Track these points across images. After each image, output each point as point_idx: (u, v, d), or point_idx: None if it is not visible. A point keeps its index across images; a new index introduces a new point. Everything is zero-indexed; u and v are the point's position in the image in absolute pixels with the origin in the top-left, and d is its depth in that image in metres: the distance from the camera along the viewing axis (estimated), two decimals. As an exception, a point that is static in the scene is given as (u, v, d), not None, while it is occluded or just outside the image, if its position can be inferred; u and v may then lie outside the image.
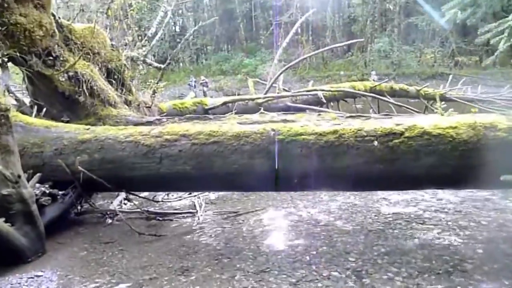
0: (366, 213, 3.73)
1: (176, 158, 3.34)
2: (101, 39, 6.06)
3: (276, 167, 3.19)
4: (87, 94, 5.38)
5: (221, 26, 41.72)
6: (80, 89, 5.36)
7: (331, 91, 7.74)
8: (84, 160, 3.50)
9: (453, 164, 2.99)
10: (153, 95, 6.79)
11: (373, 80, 22.01)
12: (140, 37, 7.99)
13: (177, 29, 42.74)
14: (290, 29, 32.21)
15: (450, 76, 13.69)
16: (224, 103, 7.51)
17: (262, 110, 5.63)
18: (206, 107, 7.57)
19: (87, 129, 3.72)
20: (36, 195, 3.33)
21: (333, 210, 3.84)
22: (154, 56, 43.18)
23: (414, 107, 9.25)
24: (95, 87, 5.48)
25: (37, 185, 3.49)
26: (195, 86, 29.08)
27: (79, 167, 3.44)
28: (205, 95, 27.98)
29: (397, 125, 3.15)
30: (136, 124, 5.41)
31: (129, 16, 7.45)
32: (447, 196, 4.10)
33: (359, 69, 33.66)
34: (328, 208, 3.89)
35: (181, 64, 42.12)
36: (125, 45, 6.64)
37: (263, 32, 38.11)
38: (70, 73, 5.35)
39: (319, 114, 5.18)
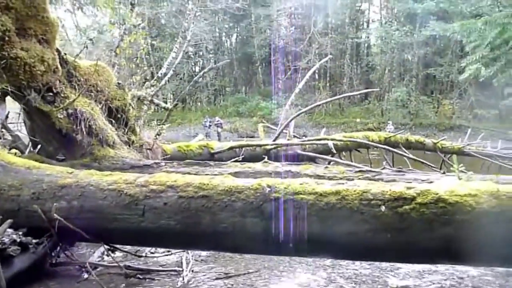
0: (371, 284, 3.31)
1: (161, 211, 3.02)
2: (106, 77, 5.90)
3: (270, 229, 2.83)
4: (84, 133, 5.16)
5: (239, 68, 42.36)
6: (78, 128, 5.15)
7: (343, 140, 7.42)
8: (62, 207, 3.20)
9: (471, 237, 2.60)
10: (156, 137, 6.55)
11: (389, 131, 21.75)
12: (152, 77, 7.86)
13: (197, 69, 43.41)
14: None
15: (469, 130, 13.27)
16: (231, 148, 7.23)
17: (265, 160, 5.35)
18: (212, 151, 7.29)
19: (70, 172, 3.44)
20: (5, 243, 3.02)
21: (335, 278, 3.43)
22: (173, 95, 43.93)
23: (430, 161, 8.88)
24: (93, 126, 5.27)
25: (9, 230, 3.19)
26: (209, 126, 29.12)
27: (55, 214, 3.13)
28: (219, 135, 27.96)
29: (408, 188, 2.79)
30: (133, 166, 5.15)
31: (138, 55, 7.38)
32: (465, 267, 3.66)
33: (375, 117, 33.48)
34: (329, 276, 3.48)
35: (198, 103, 42.57)
36: (132, 84, 6.47)
37: (281, 76, 38.40)
38: (70, 111, 5.16)
39: (326, 167, 4.86)
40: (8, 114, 6.30)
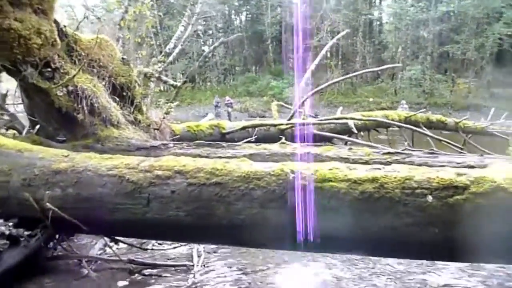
0: (408, 282, 2.91)
1: (168, 200, 2.62)
2: (109, 52, 5.46)
3: (295, 222, 2.42)
4: (86, 111, 4.75)
5: (249, 47, 41.53)
6: (79, 106, 4.75)
7: (363, 120, 6.95)
8: (56, 195, 2.81)
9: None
10: (164, 116, 6.14)
11: (402, 111, 21.10)
12: (160, 52, 7.40)
13: (206, 48, 42.71)
14: (320, 52, 31.64)
15: (492, 109, 12.68)
16: (244, 128, 6.80)
17: (283, 140, 4.91)
18: (224, 131, 6.88)
19: (66, 156, 3.04)
20: (-9, 237, 2.66)
21: (366, 276, 3.02)
22: (182, 74, 43.34)
23: (452, 141, 8.36)
24: (96, 105, 4.85)
25: (-1, 222, 2.82)
26: (219, 106, 28.67)
27: (47, 203, 2.74)
28: (229, 115, 27.51)
29: (459, 175, 2.35)
30: (139, 148, 4.75)
31: (144, 28, 6.92)
32: None
33: (388, 97, 32.71)
34: (360, 272, 3.07)
35: (208, 83, 42.01)
36: (138, 59, 6.03)
37: (292, 55, 37.59)
38: (70, 88, 4.74)
39: (350, 148, 4.41)
40: (7, 93, 5.91)
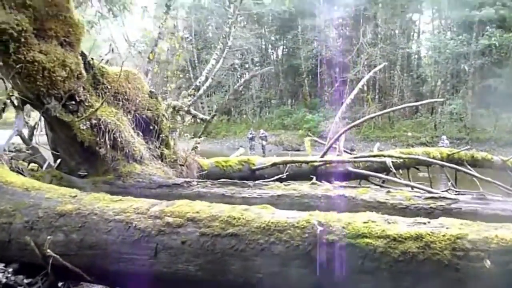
0: None
1: (178, 252, 2.31)
2: (136, 84, 5.32)
3: (322, 284, 2.06)
4: (108, 146, 4.57)
5: (285, 80, 41.67)
6: (101, 140, 4.58)
7: (402, 158, 6.51)
8: (59, 241, 2.56)
9: None
10: (192, 151, 5.92)
11: (443, 146, 20.27)
12: (190, 87, 7.28)
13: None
14: (356, 86, 31.25)
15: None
16: (274, 164, 6.47)
17: (313, 181, 4.56)
18: (253, 168, 6.56)
19: (73, 196, 2.79)
20: (-15, 286, 2.41)
21: None
22: (218, 107, 43.79)
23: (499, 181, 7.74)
24: (119, 139, 4.66)
25: (-2, 267, 2.58)
26: (254, 139, 28.56)
27: (48, 250, 2.48)
28: (263, 148, 27.31)
29: (524, 234, 1.93)
30: (161, 185, 4.50)
31: (174, 61, 6.80)
32: None
33: (428, 131, 31.73)
34: None
35: (244, 116, 42.22)
36: (167, 93, 5.89)
37: (328, 88, 37.38)
38: (93, 121, 4.60)
39: (389, 191, 4.00)
40: (35, 125, 5.83)
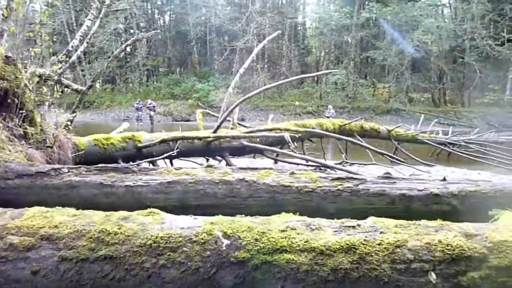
0: None
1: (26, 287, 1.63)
2: (-15, 48, 4.26)
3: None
4: None
5: (174, 48, 40.02)
6: None
7: (299, 131, 6.25)
8: None
9: None
10: (66, 128, 5.00)
11: (330, 116, 21.04)
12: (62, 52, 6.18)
13: (128, 48, 40.60)
14: (245, 55, 31.11)
15: (422, 116, 12.68)
16: (163, 141, 5.82)
17: (209, 163, 4.03)
18: (140, 145, 5.84)
19: None
20: None
21: None
22: (102, 75, 40.67)
23: (383, 149, 7.98)
24: (-41, 117, 3.67)
25: None
26: (141, 109, 27.07)
27: None
28: (151, 119, 26.05)
29: (468, 237, 1.61)
30: (20, 175, 3.62)
31: (36, 20, 5.70)
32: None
33: (314, 101, 32.94)
34: None
35: (130, 84, 39.85)
36: (31, 58, 4.85)
37: (217, 57, 36.71)
38: None
39: (293, 172, 3.61)
40: None
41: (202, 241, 1.62)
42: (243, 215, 1.93)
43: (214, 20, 35.83)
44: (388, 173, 3.59)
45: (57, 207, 1.94)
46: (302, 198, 3.31)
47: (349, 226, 1.71)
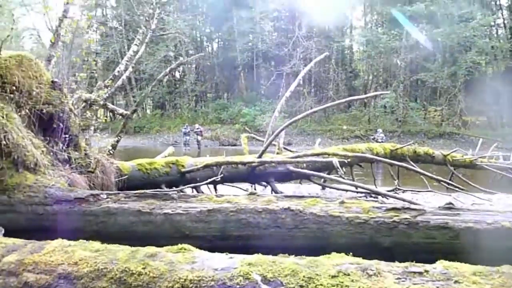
0: None
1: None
2: (33, 73, 4.29)
3: None
4: (-11, 151, 3.55)
5: (221, 73, 40.69)
6: (-20, 144, 3.54)
7: (347, 156, 5.93)
8: None
9: None
10: (109, 152, 4.97)
11: (380, 140, 20.41)
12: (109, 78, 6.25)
13: (177, 75, 41.74)
14: (292, 79, 31.03)
15: (480, 140, 11.91)
16: (206, 166, 5.68)
17: (252, 191, 3.81)
18: (183, 170, 5.74)
19: None
20: None
21: None
22: (152, 101, 41.85)
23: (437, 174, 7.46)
24: (5, 142, 3.65)
25: None
26: (189, 133, 27.46)
27: None
28: (198, 144, 26.31)
29: None
30: (59, 200, 3.54)
31: (84, 47, 5.79)
32: None
33: (362, 125, 32.26)
34: None
35: (178, 110, 40.78)
36: (76, 83, 4.88)
37: (264, 82, 36.89)
38: (-30, 119, 3.56)
39: (343, 202, 3.32)
40: None
41: (238, 286, 1.38)
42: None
43: (261, 46, 36.17)
44: (450, 203, 3.22)
45: (80, 242, 1.75)
46: (353, 230, 3.01)
47: (415, 272, 1.41)
